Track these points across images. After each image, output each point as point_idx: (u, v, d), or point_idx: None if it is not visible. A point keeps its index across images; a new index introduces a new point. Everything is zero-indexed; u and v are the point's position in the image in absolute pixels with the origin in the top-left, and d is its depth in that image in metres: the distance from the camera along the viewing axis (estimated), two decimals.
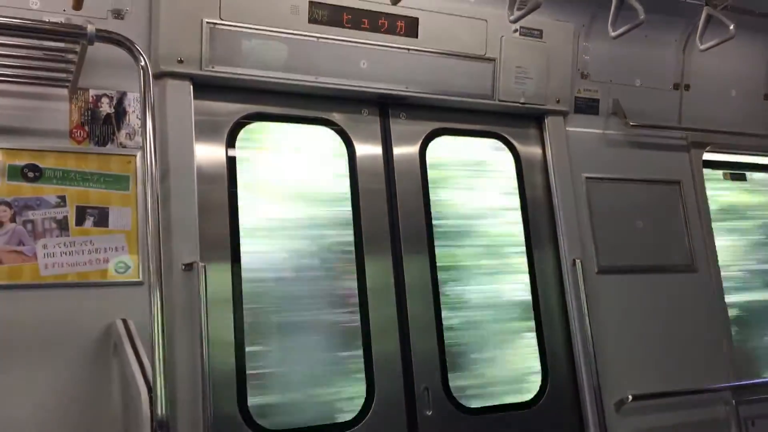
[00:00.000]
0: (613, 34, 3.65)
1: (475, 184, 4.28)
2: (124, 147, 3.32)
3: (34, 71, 3.07)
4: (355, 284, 3.76)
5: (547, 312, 4.17)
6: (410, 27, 3.90)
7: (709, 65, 4.75)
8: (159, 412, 2.46)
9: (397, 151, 4.03)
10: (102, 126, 3.29)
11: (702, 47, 3.87)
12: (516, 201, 4.29)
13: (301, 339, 3.65)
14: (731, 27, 3.65)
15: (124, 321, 3.01)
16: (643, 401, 4.08)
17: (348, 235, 3.82)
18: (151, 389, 2.54)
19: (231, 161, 3.63)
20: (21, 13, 3.02)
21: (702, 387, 4.32)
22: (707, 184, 4.81)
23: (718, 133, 4.83)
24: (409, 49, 3.90)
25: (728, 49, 4.04)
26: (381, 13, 3.80)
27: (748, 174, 5.26)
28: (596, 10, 4.28)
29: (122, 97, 3.35)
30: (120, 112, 3.34)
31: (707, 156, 4.90)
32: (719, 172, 5.15)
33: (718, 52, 4.05)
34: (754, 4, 4.06)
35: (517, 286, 4.20)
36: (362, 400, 3.62)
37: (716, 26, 3.81)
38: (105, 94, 3.32)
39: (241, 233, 3.54)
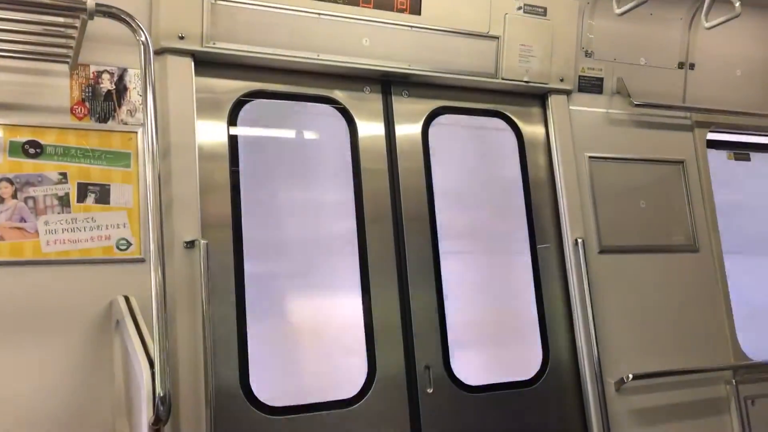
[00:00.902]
0: (618, 11, 3.63)
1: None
2: (125, 124, 3.31)
3: (34, 46, 3.04)
4: (357, 262, 3.76)
5: (548, 291, 4.17)
6: (413, 4, 3.86)
7: (714, 44, 4.71)
8: (160, 388, 2.47)
9: (400, 129, 4.01)
10: (103, 102, 3.27)
11: (707, 25, 3.84)
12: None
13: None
14: (737, 4, 3.62)
15: (126, 298, 3.02)
16: (643, 380, 4.09)
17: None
18: (152, 365, 2.55)
19: (232, 139, 3.61)
20: None
21: (702, 366, 4.33)
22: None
23: (723, 113, 4.80)
24: (411, 27, 3.87)
25: (734, 28, 4.02)
26: None
27: (752, 154, 5.24)
28: None
29: (123, 73, 3.32)
30: (121, 89, 3.32)
31: (711, 136, 4.88)
32: (723, 152, 5.13)
33: (724, 30, 4.02)
34: None
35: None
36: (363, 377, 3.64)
37: (722, 4, 3.77)
38: (106, 70, 3.30)
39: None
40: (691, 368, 4.27)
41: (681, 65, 4.74)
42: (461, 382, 3.84)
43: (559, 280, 4.21)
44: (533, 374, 4.04)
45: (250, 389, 3.37)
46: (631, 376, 4.04)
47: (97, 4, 2.69)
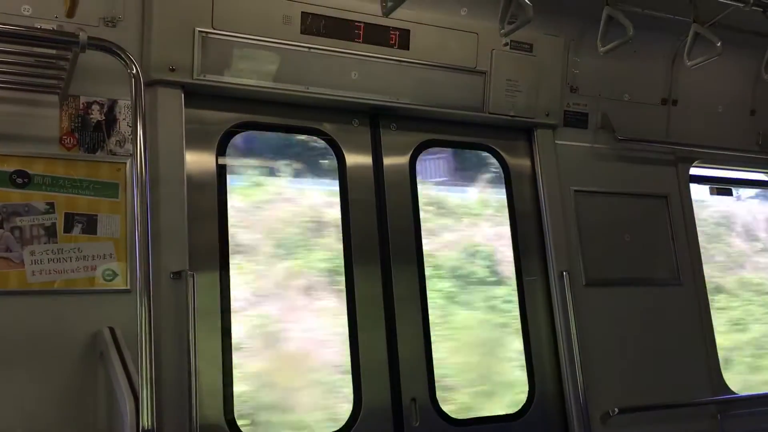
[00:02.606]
0: (602, 50, 3.69)
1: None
2: (114, 154, 3.31)
3: (25, 77, 3.05)
4: (343, 294, 3.76)
5: (534, 323, 4.18)
6: (402, 39, 3.92)
7: (696, 81, 4.80)
8: (145, 422, 2.45)
9: (387, 161, 4.05)
10: (92, 133, 3.28)
11: (689, 63, 3.91)
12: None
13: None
14: (718, 44, 3.69)
15: (111, 329, 3.00)
16: (628, 414, 4.10)
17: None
18: (137, 398, 2.53)
19: (221, 169, 3.63)
20: (13, 20, 3.02)
21: (687, 400, 4.34)
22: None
23: (705, 148, 4.88)
24: (400, 61, 3.92)
25: (716, 65, 4.09)
26: (373, 24, 3.82)
27: (734, 189, 5.32)
28: (586, 25, 4.32)
29: (113, 104, 3.34)
30: (110, 120, 3.33)
31: (694, 171, 4.95)
32: (705, 187, 5.21)
33: (706, 68, 4.09)
34: (741, 22, 4.11)
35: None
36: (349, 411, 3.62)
37: (704, 43, 3.86)
38: (95, 101, 3.31)
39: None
40: (676, 402, 4.28)
41: (664, 101, 4.83)
42: (448, 415, 3.83)
43: (545, 313, 4.22)
44: (519, 407, 4.03)
45: (235, 422, 3.34)
46: (617, 409, 4.05)
47: (90, 38, 2.72)
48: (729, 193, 5.29)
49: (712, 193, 5.19)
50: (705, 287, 4.69)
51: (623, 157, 4.66)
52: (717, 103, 5.03)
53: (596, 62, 4.43)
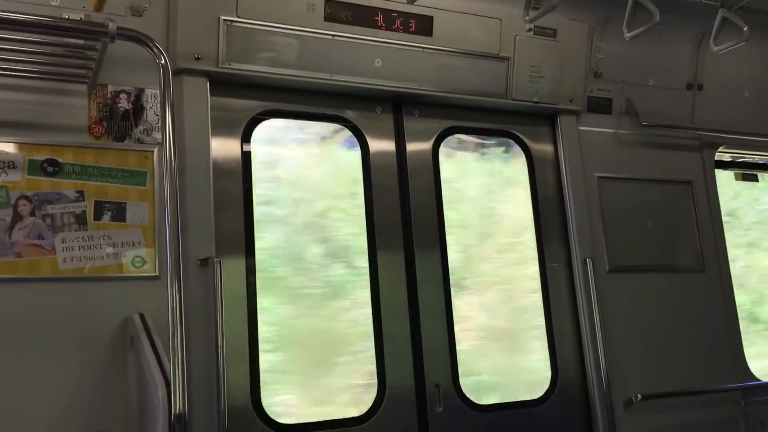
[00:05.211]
0: (628, 35, 3.66)
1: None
2: (141, 143, 3.35)
3: (54, 67, 3.10)
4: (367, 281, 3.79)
5: (558, 310, 4.19)
6: (425, 25, 3.92)
7: (722, 66, 4.74)
8: (177, 406, 2.50)
9: (411, 148, 4.06)
10: (120, 122, 3.32)
11: (716, 49, 3.87)
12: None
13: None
14: (745, 29, 3.65)
15: (141, 315, 3.05)
16: (652, 400, 4.10)
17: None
18: (168, 383, 2.57)
19: (246, 156, 3.66)
20: (40, 10, 3.05)
21: (711, 387, 4.33)
22: None
23: (731, 133, 4.83)
24: (423, 48, 3.92)
25: (742, 50, 4.05)
26: (396, 11, 3.83)
27: (761, 174, 5.26)
28: (610, 9, 4.27)
29: (140, 93, 3.38)
30: (137, 108, 3.37)
31: (719, 156, 4.90)
32: (731, 172, 5.16)
33: (732, 52, 4.05)
34: None
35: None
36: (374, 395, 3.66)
37: (731, 27, 3.81)
38: (123, 90, 3.35)
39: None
40: (699, 389, 4.27)
41: (689, 86, 4.77)
42: (471, 401, 3.85)
43: (568, 299, 4.23)
44: (542, 393, 4.05)
45: (262, 406, 3.40)
46: (639, 396, 4.05)
47: (119, 28, 2.75)
48: (755, 179, 5.24)
49: (737, 179, 5.15)
50: (729, 274, 4.66)
51: (647, 143, 4.63)
52: (743, 88, 4.96)
53: (620, 47, 4.39)
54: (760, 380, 4.51)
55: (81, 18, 3.16)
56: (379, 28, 3.82)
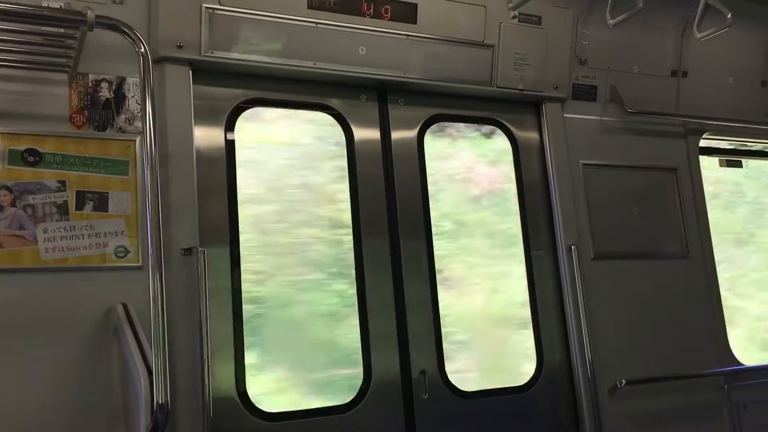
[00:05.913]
0: (611, 21, 3.67)
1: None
2: (124, 132, 3.33)
3: (34, 56, 3.07)
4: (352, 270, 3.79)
5: (543, 297, 4.21)
6: (409, 13, 3.90)
7: (706, 52, 4.76)
8: (160, 395, 2.50)
9: (395, 136, 4.05)
10: (101, 111, 3.30)
11: (699, 35, 3.88)
12: None
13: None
14: (728, 15, 3.66)
15: (124, 305, 3.04)
16: (636, 386, 4.13)
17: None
18: (151, 373, 2.58)
19: (230, 145, 3.64)
20: None
21: (695, 372, 4.37)
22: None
23: (715, 120, 4.85)
24: (407, 36, 3.91)
25: (726, 37, 4.05)
26: None
27: (744, 161, 5.29)
28: None
29: (121, 82, 3.35)
30: (119, 97, 3.34)
31: (704, 143, 4.93)
32: (715, 159, 5.19)
33: (716, 39, 4.05)
34: None
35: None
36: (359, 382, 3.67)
37: (714, 13, 3.82)
38: (104, 79, 3.32)
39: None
40: (683, 374, 4.31)
41: (674, 73, 4.79)
42: (456, 387, 3.87)
43: (552, 286, 4.25)
44: (527, 380, 4.07)
45: (247, 395, 3.40)
46: (624, 381, 4.09)
47: (98, 16, 2.72)
48: (739, 165, 5.26)
49: (721, 165, 5.17)
50: (713, 260, 4.69)
51: (632, 130, 4.64)
52: (728, 75, 4.98)
53: (605, 34, 4.39)
54: (742, 364, 4.56)
55: (61, 6, 3.13)
56: (364, 15, 3.80)
